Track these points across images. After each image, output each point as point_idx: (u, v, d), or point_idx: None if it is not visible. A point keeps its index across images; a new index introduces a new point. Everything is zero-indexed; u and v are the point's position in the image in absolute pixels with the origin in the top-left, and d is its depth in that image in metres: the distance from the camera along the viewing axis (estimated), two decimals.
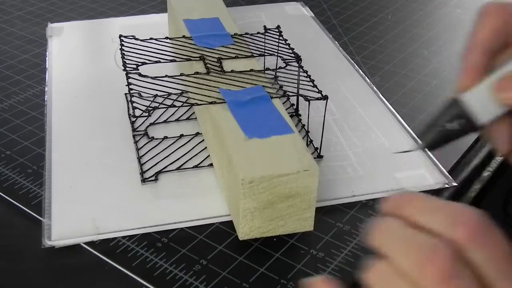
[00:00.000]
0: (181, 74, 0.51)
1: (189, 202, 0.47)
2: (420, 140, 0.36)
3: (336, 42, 0.70)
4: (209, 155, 0.51)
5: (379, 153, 0.52)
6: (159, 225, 0.45)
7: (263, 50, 0.56)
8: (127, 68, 0.51)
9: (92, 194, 0.48)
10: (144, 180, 0.49)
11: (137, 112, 0.48)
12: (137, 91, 0.49)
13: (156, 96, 0.54)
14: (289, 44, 0.55)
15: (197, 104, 0.48)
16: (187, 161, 0.50)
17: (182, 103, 0.52)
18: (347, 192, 0.48)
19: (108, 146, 0.53)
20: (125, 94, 0.59)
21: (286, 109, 0.48)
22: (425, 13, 0.80)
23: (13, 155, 0.52)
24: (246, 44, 0.56)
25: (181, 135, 0.53)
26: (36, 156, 0.52)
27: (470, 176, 0.52)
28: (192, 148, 0.52)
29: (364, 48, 0.70)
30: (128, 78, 0.50)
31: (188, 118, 0.56)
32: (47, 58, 0.65)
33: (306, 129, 0.53)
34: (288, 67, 0.52)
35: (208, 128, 0.50)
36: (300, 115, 0.56)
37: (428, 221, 0.29)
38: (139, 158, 0.51)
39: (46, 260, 0.43)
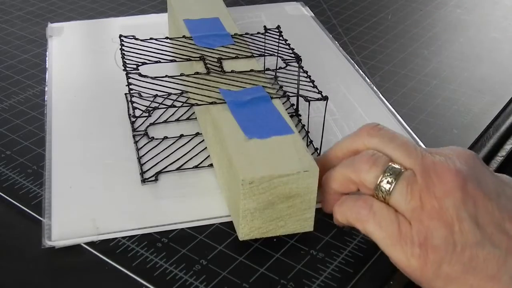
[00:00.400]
0: (181, 74, 0.51)
1: (189, 202, 0.47)
2: None
3: (336, 42, 0.70)
4: (209, 156, 0.51)
5: None
6: (159, 225, 0.45)
7: (263, 50, 0.56)
8: (127, 68, 0.51)
9: (92, 194, 0.48)
10: (144, 180, 0.49)
11: (137, 112, 0.48)
12: (137, 91, 0.49)
13: (156, 96, 0.55)
14: (289, 44, 0.55)
15: (197, 105, 0.48)
16: (187, 161, 0.51)
17: (182, 103, 0.53)
18: None
19: (108, 146, 0.53)
20: (125, 94, 0.59)
21: (286, 109, 0.48)
22: (425, 13, 0.80)
23: (13, 155, 0.52)
24: (246, 44, 0.56)
25: (181, 135, 0.53)
26: (36, 156, 0.52)
27: None
28: (192, 148, 0.52)
29: (364, 48, 0.70)
30: (128, 78, 0.50)
31: (188, 118, 0.56)
32: (47, 58, 0.65)
33: (306, 129, 0.53)
34: (288, 67, 0.52)
35: (208, 128, 0.50)
36: (300, 116, 0.56)
37: None
38: (139, 158, 0.51)
39: (46, 260, 0.43)
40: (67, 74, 0.63)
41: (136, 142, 0.53)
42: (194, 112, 0.56)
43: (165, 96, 0.56)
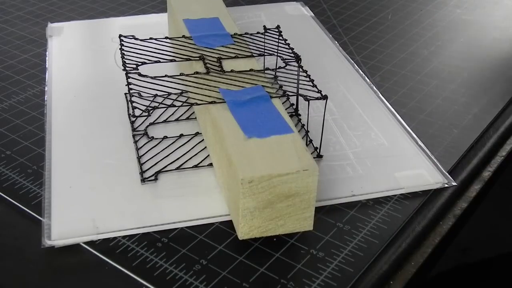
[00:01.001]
0: (181, 74, 0.51)
1: (189, 201, 0.47)
2: None
3: (336, 42, 0.70)
4: (208, 155, 0.51)
5: (378, 153, 0.52)
6: (159, 225, 0.45)
7: (263, 50, 0.56)
8: (126, 68, 0.51)
9: (92, 194, 0.48)
10: (143, 180, 0.49)
11: (137, 112, 0.48)
12: (137, 91, 0.49)
13: (156, 96, 0.54)
14: (288, 44, 0.55)
15: (197, 104, 0.48)
16: (186, 161, 0.51)
17: (182, 103, 0.52)
18: (347, 192, 0.48)
19: (108, 146, 0.53)
20: (125, 93, 0.59)
21: (285, 109, 0.48)
22: (425, 13, 0.80)
23: (13, 155, 0.52)
24: (246, 44, 0.56)
25: (181, 135, 0.53)
26: (36, 156, 0.52)
27: (470, 176, 0.52)
28: (192, 148, 0.52)
29: (364, 48, 0.70)
30: (127, 78, 0.50)
31: (188, 118, 0.56)
32: (47, 58, 0.65)
33: (306, 128, 0.53)
34: (287, 67, 0.52)
35: (208, 127, 0.50)
36: (299, 115, 0.56)
37: None
38: (139, 157, 0.51)
39: (46, 260, 0.43)
40: (67, 74, 0.63)
41: (135, 142, 0.53)
42: (193, 112, 0.56)
43: (165, 96, 0.56)
